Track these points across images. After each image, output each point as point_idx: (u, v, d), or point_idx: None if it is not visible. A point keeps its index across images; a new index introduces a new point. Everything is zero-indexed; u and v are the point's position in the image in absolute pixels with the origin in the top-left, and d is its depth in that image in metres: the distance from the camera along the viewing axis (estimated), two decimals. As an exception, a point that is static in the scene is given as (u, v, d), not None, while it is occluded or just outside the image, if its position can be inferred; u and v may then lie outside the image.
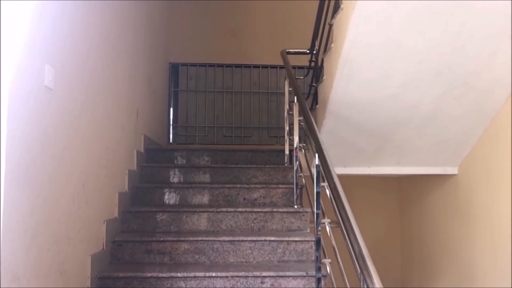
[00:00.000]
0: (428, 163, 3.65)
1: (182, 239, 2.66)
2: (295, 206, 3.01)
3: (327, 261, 2.30)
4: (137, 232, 2.85)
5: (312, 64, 3.55)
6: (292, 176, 3.19)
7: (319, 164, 2.24)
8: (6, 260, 1.48)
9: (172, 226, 2.88)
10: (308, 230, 2.91)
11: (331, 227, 2.28)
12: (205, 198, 3.15)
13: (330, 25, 2.93)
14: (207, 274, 2.41)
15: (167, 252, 2.64)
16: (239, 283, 2.43)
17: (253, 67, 4.99)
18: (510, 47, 2.59)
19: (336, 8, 2.80)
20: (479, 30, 2.50)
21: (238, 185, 3.19)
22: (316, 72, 3.49)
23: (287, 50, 3.65)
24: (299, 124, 2.97)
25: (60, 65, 1.87)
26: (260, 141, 4.95)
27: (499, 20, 2.43)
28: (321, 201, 2.38)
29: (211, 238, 2.66)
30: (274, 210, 2.93)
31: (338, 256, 2.22)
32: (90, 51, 2.27)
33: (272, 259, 2.68)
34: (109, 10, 2.62)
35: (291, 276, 2.44)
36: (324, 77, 3.22)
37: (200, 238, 2.66)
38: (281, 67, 4.00)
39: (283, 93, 3.74)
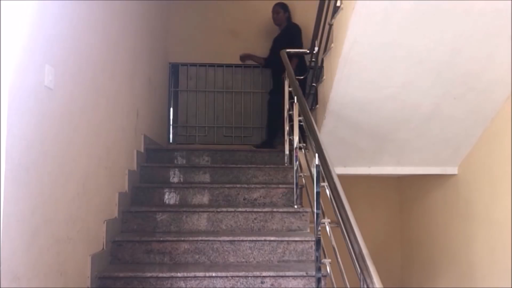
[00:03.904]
0: (428, 163, 3.65)
1: (182, 239, 2.66)
2: (295, 206, 3.01)
3: (327, 261, 2.30)
4: (137, 232, 2.85)
5: (312, 64, 3.55)
6: (292, 176, 3.19)
7: (319, 164, 2.24)
8: (6, 260, 1.48)
9: (172, 226, 2.88)
10: (308, 230, 2.91)
11: (331, 227, 2.28)
12: (205, 198, 3.15)
13: (330, 25, 2.93)
14: (207, 274, 2.41)
15: (167, 252, 2.64)
16: (239, 283, 2.43)
17: (253, 67, 4.99)
18: (510, 47, 2.59)
19: (336, 8, 2.80)
20: (478, 30, 2.50)
21: (238, 185, 3.19)
22: (316, 72, 3.49)
23: (287, 50, 3.65)
24: (299, 124, 2.97)
25: (60, 65, 1.87)
26: (260, 141, 4.94)
27: (499, 20, 2.43)
28: (321, 201, 2.38)
29: (211, 238, 2.66)
30: (274, 210, 2.93)
31: (338, 256, 2.22)
32: (90, 51, 2.27)
33: (272, 259, 2.68)
34: (109, 10, 2.62)
35: (291, 276, 2.44)
36: (324, 77, 3.22)
37: (200, 238, 2.66)
38: (281, 67, 3.98)
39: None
